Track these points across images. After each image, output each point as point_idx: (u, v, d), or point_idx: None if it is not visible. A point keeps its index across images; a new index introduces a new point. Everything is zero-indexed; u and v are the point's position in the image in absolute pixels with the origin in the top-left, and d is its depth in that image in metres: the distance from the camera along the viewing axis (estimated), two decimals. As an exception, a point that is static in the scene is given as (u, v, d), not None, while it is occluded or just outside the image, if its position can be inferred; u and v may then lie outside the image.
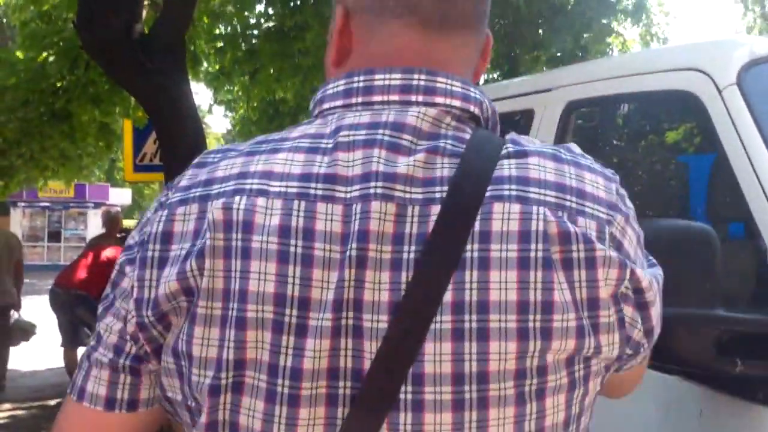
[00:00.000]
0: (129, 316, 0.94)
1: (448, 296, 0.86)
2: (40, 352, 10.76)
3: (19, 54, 9.39)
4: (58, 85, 9.49)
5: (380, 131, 0.92)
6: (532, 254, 0.86)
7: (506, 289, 0.86)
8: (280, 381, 0.86)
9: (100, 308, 0.99)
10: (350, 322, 0.87)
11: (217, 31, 9.38)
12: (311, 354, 0.86)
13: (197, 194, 0.93)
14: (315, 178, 0.90)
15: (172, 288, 0.90)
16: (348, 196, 0.89)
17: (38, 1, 9.08)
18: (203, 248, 0.89)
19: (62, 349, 8.75)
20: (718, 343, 1.75)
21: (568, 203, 0.89)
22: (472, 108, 0.96)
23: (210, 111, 12.20)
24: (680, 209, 2.38)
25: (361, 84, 0.97)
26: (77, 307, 8.39)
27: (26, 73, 9.15)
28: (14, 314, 9.15)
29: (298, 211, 0.88)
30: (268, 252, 0.87)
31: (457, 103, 0.95)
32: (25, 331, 9.33)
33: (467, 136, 0.94)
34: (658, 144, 2.56)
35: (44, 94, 9.38)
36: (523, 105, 2.89)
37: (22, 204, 29.59)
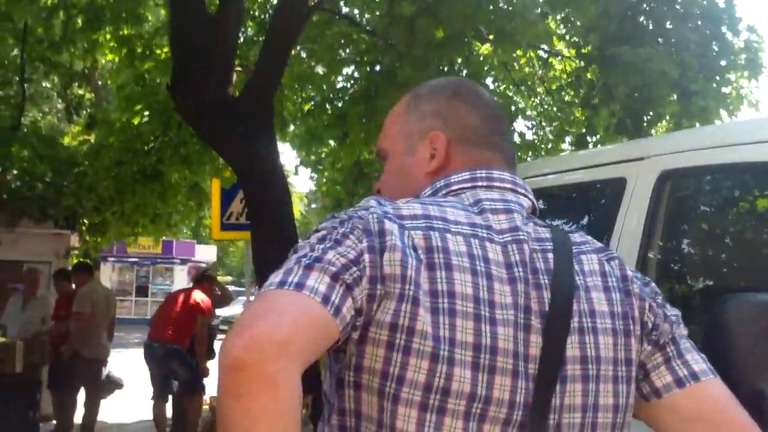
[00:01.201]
0: (361, 292, 1.19)
1: (574, 306, 1.29)
2: (127, 406, 10.93)
3: (115, 116, 9.73)
4: (151, 145, 9.80)
5: (511, 204, 1.38)
6: (610, 284, 1.37)
7: (600, 302, 1.34)
8: (482, 355, 1.21)
9: (318, 246, 1.23)
10: (522, 321, 1.25)
11: (305, 95, 9.56)
12: (502, 337, 1.22)
13: (394, 219, 1.27)
14: (479, 227, 1.31)
15: (396, 271, 1.21)
16: (503, 240, 1.31)
17: (134, 65, 9.40)
18: (419, 258, 1.23)
19: (152, 402, 8.90)
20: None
21: (614, 257, 1.43)
22: (534, 204, 1.46)
23: (296, 172, 12.36)
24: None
25: (483, 174, 1.44)
26: (171, 361, 8.60)
27: (122, 133, 9.46)
28: (105, 368, 9.34)
29: (475, 244, 1.27)
30: (464, 267, 1.24)
31: (533, 201, 1.45)
32: (115, 384, 9.51)
33: (537, 219, 1.42)
34: (758, 216, 2.49)
35: (137, 154, 9.70)
36: (615, 173, 2.84)
37: (112, 259, 30.41)
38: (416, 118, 1.52)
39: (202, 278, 9.35)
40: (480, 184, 1.42)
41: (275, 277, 1.19)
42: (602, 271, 1.37)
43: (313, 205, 31.29)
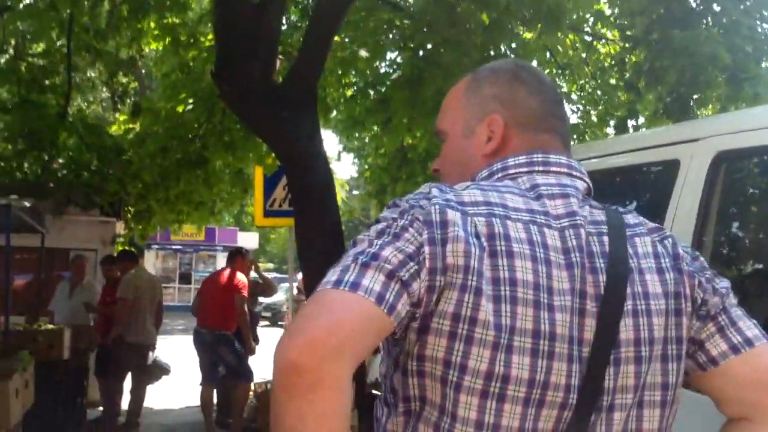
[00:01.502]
0: (422, 281, 1.23)
1: (627, 289, 1.32)
2: (173, 391, 11.06)
3: (160, 104, 9.79)
4: (195, 132, 9.86)
5: (568, 189, 1.40)
6: (663, 264, 1.39)
7: (654, 284, 1.36)
8: (541, 341, 1.25)
9: (377, 241, 1.26)
10: (578, 305, 1.29)
11: (348, 80, 9.54)
12: (560, 323, 1.26)
13: (457, 207, 1.30)
14: (537, 213, 1.34)
15: (459, 262, 1.24)
16: (560, 226, 1.34)
17: (178, 53, 9.45)
18: (482, 246, 1.26)
19: (199, 388, 9.04)
20: None
21: (667, 236, 1.45)
22: (590, 186, 1.48)
23: (339, 158, 12.37)
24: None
25: (540, 158, 1.45)
26: (219, 347, 8.73)
27: (167, 121, 9.52)
28: (152, 353, 9.46)
29: (534, 231, 1.31)
30: (524, 254, 1.27)
31: (589, 183, 1.47)
32: (163, 369, 9.64)
33: (593, 201, 1.45)
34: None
35: (182, 142, 9.75)
36: (668, 155, 2.78)
37: (156, 246, 30.74)
38: (476, 101, 1.53)
39: (235, 255, 9.43)
40: (537, 168, 1.44)
41: (332, 275, 1.22)
42: (655, 253, 1.39)
43: (355, 192, 31.33)
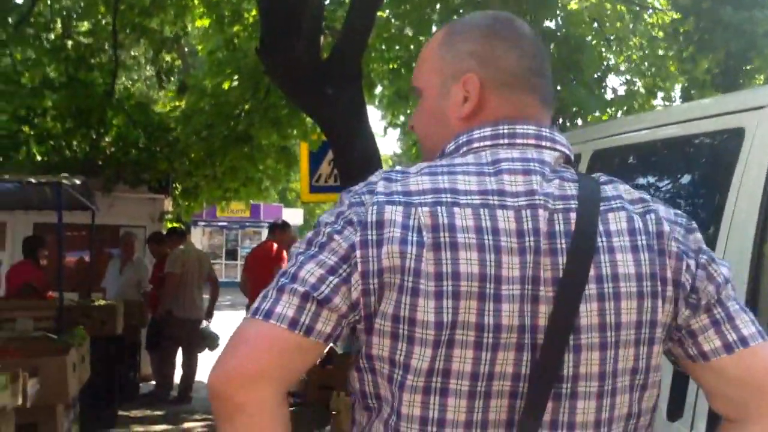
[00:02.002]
0: (354, 285, 1.23)
1: (592, 272, 1.25)
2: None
3: (206, 81, 9.84)
4: (240, 109, 9.90)
5: (531, 164, 1.32)
6: (639, 242, 1.29)
7: (626, 264, 1.27)
8: (485, 334, 1.22)
9: (300, 257, 1.27)
10: (530, 292, 1.24)
11: (392, 55, 9.50)
12: (506, 313, 1.22)
13: (400, 200, 1.26)
14: (491, 193, 1.28)
15: (395, 263, 1.22)
16: (517, 205, 1.27)
17: (223, 30, 9.48)
18: (421, 242, 1.22)
19: None
20: None
21: (651, 210, 1.33)
22: (568, 153, 1.40)
23: (385, 133, 12.34)
24: None
25: (506, 130, 1.38)
26: None
27: (212, 98, 9.57)
28: (204, 323, 9.61)
29: (484, 216, 1.25)
30: (470, 245, 1.22)
31: (565, 150, 1.40)
32: (211, 339, 9.76)
33: (571, 171, 1.38)
34: None
35: (227, 118, 9.80)
36: (732, 123, 2.71)
37: (202, 223, 31.03)
38: (450, 57, 1.45)
39: (276, 228, 9.49)
40: (501, 141, 1.37)
41: (256, 302, 1.27)
42: (631, 229, 1.30)
43: (398, 167, 31.31)
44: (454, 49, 1.45)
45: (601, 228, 1.28)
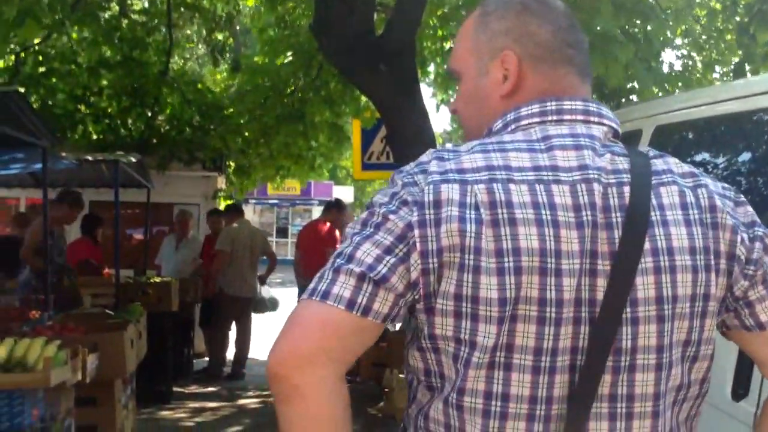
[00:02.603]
0: (413, 265, 1.23)
1: (647, 245, 1.26)
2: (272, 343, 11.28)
3: (258, 59, 9.86)
4: (293, 87, 9.91)
5: (581, 139, 1.33)
6: (692, 216, 1.30)
7: (680, 238, 1.28)
8: (548, 309, 1.22)
9: (355, 238, 1.27)
10: (588, 266, 1.24)
11: (445, 32, 9.41)
12: (567, 288, 1.23)
13: (456, 178, 1.26)
14: (544, 169, 1.28)
15: (454, 242, 1.22)
16: (571, 179, 1.27)
17: (276, 8, 9.47)
18: (480, 219, 1.22)
19: None
20: None
21: (702, 184, 1.34)
22: (615, 127, 1.41)
23: (438, 110, 12.27)
24: None
25: (553, 107, 1.38)
26: None
27: (265, 76, 9.59)
28: (261, 289, 9.77)
29: (540, 191, 1.25)
30: (528, 220, 1.23)
31: (613, 124, 1.40)
32: (272, 303, 9.94)
33: (620, 145, 1.37)
34: None
35: (280, 96, 9.82)
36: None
37: (253, 201, 31.28)
38: (486, 38, 1.46)
39: (332, 207, 9.52)
40: (550, 118, 1.38)
41: (312, 283, 1.27)
42: (683, 203, 1.31)
43: (448, 145, 31.19)
44: (488, 28, 1.46)
45: (654, 202, 1.29)
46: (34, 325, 5.04)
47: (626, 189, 1.29)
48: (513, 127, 1.38)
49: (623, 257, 1.25)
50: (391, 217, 1.26)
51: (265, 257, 9.88)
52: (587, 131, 1.35)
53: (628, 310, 1.25)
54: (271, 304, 9.91)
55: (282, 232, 32.86)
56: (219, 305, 9.33)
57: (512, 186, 1.25)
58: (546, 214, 1.24)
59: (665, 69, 9.96)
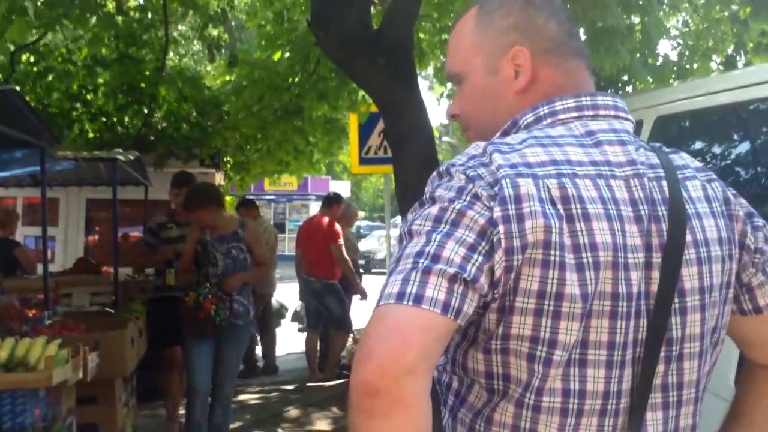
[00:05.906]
0: (498, 263, 1.20)
1: (688, 237, 1.30)
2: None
3: (256, 54, 9.83)
4: (290, 81, 9.87)
5: (622, 135, 1.35)
6: (715, 209, 1.35)
7: (711, 230, 1.33)
8: (620, 303, 1.24)
9: (433, 235, 1.21)
10: (644, 259, 1.27)
11: (443, 24, 9.38)
12: (635, 282, 1.26)
13: (527, 172, 1.24)
14: (600, 164, 1.29)
15: (539, 238, 1.20)
16: (624, 174, 1.29)
17: (272, 3, 9.44)
18: (559, 215, 1.21)
19: (303, 334, 9.47)
20: None
21: (713, 178, 1.41)
22: (634, 123, 1.44)
23: (439, 102, 12.22)
24: None
25: (589, 102, 1.39)
26: (326, 296, 9.00)
27: (263, 71, 9.56)
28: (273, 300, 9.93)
29: (602, 186, 1.26)
30: (599, 215, 1.24)
31: (631, 117, 1.43)
32: (285, 310, 10.21)
33: (642, 140, 1.40)
34: None
35: (277, 91, 9.78)
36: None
37: (250, 196, 31.14)
38: (492, 35, 1.45)
39: (332, 202, 9.53)
40: (587, 113, 1.38)
41: (393, 286, 1.19)
42: (707, 196, 1.36)
43: (445, 138, 31.14)
44: (492, 26, 1.45)
45: (684, 195, 1.33)
46: (35, 325, 5.02)
47: (664, 183, 1.32)
48: (550, 120, 1.38)
49: (671, 249, 1.28)
50: (468, 212, 1.22)
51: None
52: (621, 126, 1.38)
53: (677, 300, 1.29)
54: (285, 312, 10.14)
55: (279, 228, 32.72)
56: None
57: (579, 181, 1.25)
58: (612, 209, 1.25)
59: (660, 59, 9.95)
